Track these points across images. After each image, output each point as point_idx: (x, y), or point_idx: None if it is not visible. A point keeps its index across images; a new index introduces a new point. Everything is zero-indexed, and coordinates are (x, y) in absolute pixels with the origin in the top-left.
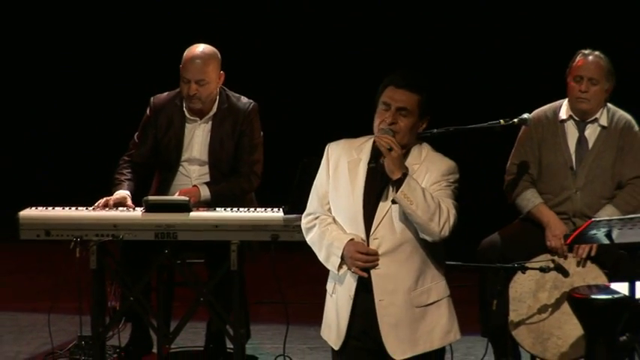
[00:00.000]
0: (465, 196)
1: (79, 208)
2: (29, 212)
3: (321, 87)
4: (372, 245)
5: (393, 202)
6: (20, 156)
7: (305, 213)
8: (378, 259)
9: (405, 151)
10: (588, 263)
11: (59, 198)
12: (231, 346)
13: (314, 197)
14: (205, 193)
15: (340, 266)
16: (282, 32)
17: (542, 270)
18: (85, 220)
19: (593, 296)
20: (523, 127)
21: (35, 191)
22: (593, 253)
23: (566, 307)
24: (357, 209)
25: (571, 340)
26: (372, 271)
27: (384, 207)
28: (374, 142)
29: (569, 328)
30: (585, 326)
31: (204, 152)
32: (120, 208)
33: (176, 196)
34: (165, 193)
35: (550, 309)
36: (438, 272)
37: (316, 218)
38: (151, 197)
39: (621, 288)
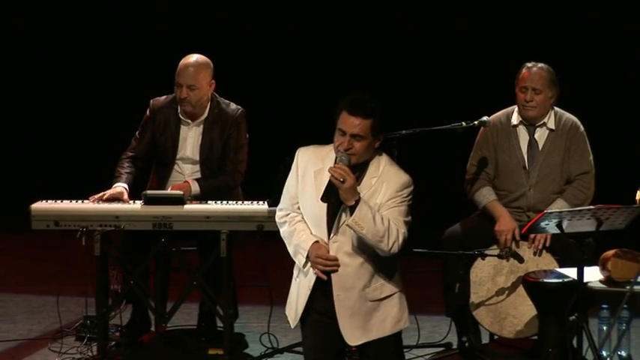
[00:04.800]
0: (431, 191)
1: (85, 201)
2: (40, 205)
3: (301, 95)
4: (332, 248)
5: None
6: (32, 154)
7: (278, 207)
8: (337, 265)
9: (364, 165)
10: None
11: (67, 192)
12: (221, 325)
13: (286, 195)
14: (195, 188)
15: (305, 264)
16: (270, 45)
17: (500, 257)
18: (90, 212)
19: (546, 280)
20: (481, 131)
21: (45, 186)
22: (547, 244)
23: (521, 289)
24: (321, 214)
25: (525, 319)
26: None
27: (342, 215)
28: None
29: (523, 308)
30: (538, 307)
31: (196, 152)
32: (117, 202)
33: (172, 191)
34: (162, 188)
35: (507, 291)
36: (392, 271)
37: (287, 215)
38: (149, 192)
39: (570, 273)
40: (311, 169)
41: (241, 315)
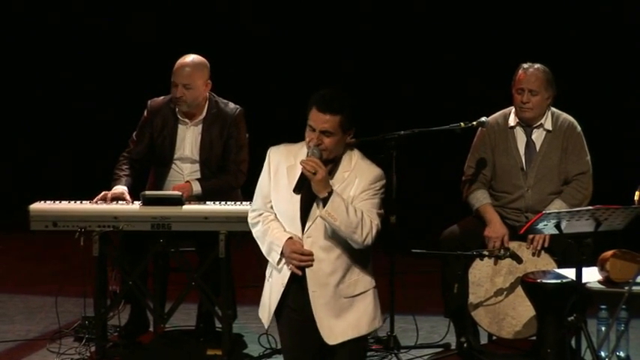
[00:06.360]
0: (430, 192)
1: (84, 201)
2: (38, 205)
3: (301, 95)
4: (306, 243)
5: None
6: (31, 155)
7: (250, 209)
8: (312, 259)
9: (336, 160)
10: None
11: (65, 192)
12: (220, 326)
13: (258, 195)
14: (197, 188)
15: (279, 261)
16: (269, 44)
17: (498, 257)
18: (88, 213)
19: (544, 281)
20: (478, 133)
21: (44, 186)
22: (546, 245)
23: (519, 290)
24: (295, 211)
25: (524, 320)
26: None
27: (316, 210)
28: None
29: (522, 309)
30: (537, 308)
31: (195, 152)
32: (120, 202)
33: (170, 191)
34: (160, 188)
35: (505, 292)
36: (365, 266)
37: (260, 215)
38: (147, 192)
39: (569, 273)
40: (283, 166)
41: (240, 315)
